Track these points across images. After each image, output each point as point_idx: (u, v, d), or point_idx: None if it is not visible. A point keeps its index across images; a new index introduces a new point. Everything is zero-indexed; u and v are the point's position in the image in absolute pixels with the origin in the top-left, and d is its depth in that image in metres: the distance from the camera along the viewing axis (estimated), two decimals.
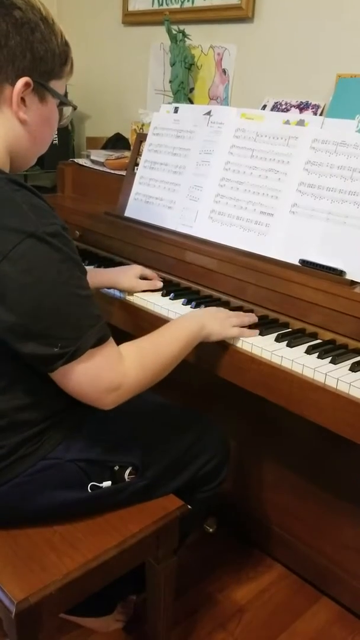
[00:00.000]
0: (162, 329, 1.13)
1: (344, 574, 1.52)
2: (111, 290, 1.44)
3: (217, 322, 1.18)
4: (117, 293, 1.43)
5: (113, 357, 0.98)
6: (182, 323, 1.16)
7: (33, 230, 0.87)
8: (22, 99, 0.95)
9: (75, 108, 1.07)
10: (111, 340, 0.98)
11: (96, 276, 1.41)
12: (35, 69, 0.94)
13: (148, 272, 1.44)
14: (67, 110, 1.06)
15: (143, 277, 1.43)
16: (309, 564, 1.60)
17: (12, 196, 0.90)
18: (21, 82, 0.93)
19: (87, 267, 1.36)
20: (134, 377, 1.01)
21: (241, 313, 1.26)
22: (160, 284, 1.43)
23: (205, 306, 1.30)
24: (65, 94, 1.06)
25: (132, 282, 1.41)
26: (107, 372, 0.97)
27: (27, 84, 0.93)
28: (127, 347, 1.03)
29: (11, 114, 0.96)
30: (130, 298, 1.40)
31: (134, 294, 1.40)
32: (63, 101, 1.02)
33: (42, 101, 0.98)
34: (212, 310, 1.23)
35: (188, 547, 1.53)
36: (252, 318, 1.25)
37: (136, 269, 1.43)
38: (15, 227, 0.87)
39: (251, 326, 1.23)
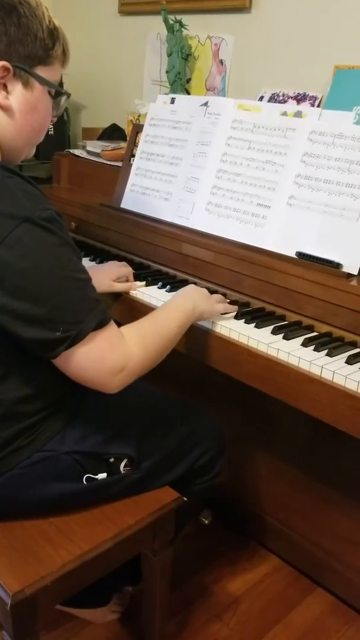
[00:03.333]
0: (158, 310, 1.15)
1: (339, 565, 1.53)
2: None
3: (206, 301, 1.20)
4: None
5: (115, 339, 0.98)
6: (176, 304, 1.17)
7: (28, 215, 0.87)
8: (4, 85, 0.94)
9: (68, 96, 1.05)
10: (112, 323, 0.98)
11: None
12: (14, 52, 0.92)
13: (125, 271, 1.39)
14: (62, 98, 1.04)
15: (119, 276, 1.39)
16: (304, 555, 1.61)
17: (5, 183, 0.90)
18: None
19: None
20: (137, 358, 1.01)
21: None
22: (136, 286, 1.38)
23: None
24: (62, 85, 1.04)
25: (106, 285, 1.35)
26: (111, 354, 0.97)
27: (5, 69, 0.92)
28: (127, 329, 1.04)
29: None
30: None
31: None
32: (51, 87, 0.99)
33: (26, 87, 0.96)
34: (197, 287, 1.25)
35: (183, 539, 1.53)
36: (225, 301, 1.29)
37: (111, 272, 1.38)
38: (11, 212, 0.87)
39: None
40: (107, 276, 1.36)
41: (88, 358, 0.95)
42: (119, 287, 1.37)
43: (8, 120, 0.96)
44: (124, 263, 1.43)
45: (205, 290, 1.25)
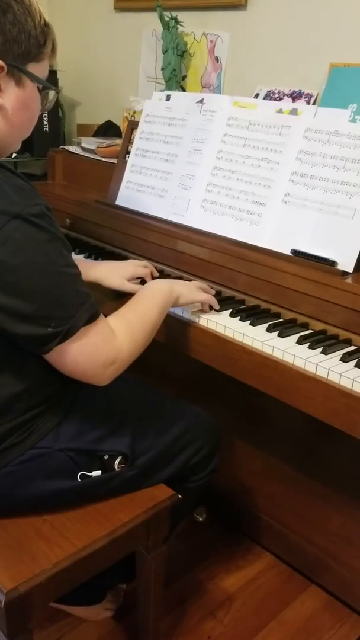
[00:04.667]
0: (137, 298, 1.14)
1: (333, 563, 1.53)
2: None
3: (184, 287, 1.22)
4: None
5: (106, 333, 0.99)
6: (154, 290, 1.17)
7: (18, 211, 0.87)
8: None
9: (57, 92, 1.05)
10: (102, 317, 0.99)
11: (84, 270, 1.38)
12: (9, 51, 0.92)
13: (141, 272, 1.37)
14: (50, 94, 1.04)
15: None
16: (298, 552, 1.61)
17: None
18: None
19: (77, 258, 1.34)
20: (126, 350, 1.03)
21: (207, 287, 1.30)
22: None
23: None
24: (56, 81, 1.04)
25: (117, 282, 1.34)
26: (102, 348, 0.98)
27: (0, 68, 0.91)
28: (114, 320, 1.04)
29: None
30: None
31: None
32: (42, 84, 0.99)
33: (18, 85, 0.95)
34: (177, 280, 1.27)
35: (178, 536, 1.53)
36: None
37: (127, 270, 1.35)
38: (0, 208, 0.87)
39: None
40: (121, 273, 1.34)
41: (81, 352, 0.96)
42: (129, 287, 1.33)
43: (0, 118, 0.96)
44: (145, 263, 1.41)
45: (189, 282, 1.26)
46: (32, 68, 0.96)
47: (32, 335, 0.92)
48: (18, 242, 0.88)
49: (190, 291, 1.23)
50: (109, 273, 1.34)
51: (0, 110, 0.95)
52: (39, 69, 0.98)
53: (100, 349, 0.98)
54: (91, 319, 0.96)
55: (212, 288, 1.35)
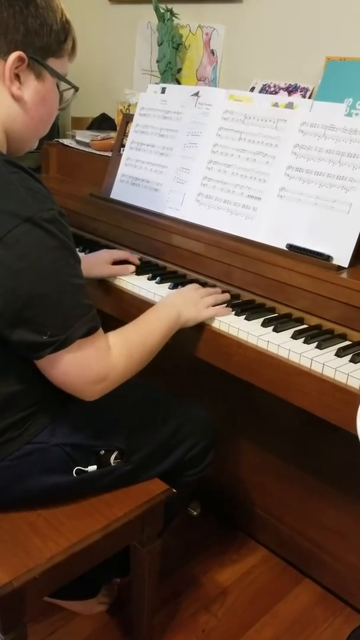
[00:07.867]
0: (144, 317, 1.13)
1: (326, 556, 1.54)
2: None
3: (192, 308, 1.18)
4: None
5: (102, 349, 0.98)
6: (162, 312, 1.16)
7: (30, 215, 0.86)
8: (17, 75, 0.93)
9: (76, 89, 1.04)
10: (101, 331, 0.98)
11: None
12: (30, 43, 0.92)
13: (118, 254, 1.42)
14: (68, 93, 1.03)
15: (116, 261, 1.42)
16: (292, 546, 1.62)
17: (10, 178, 0.88)
18: (14, 55, 0.90)
19: None
20: (120, 369, 1.01)
21: (211, 290, 1.27)
22: (132, 268, 1.40)
23: None
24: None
25: (104, 271, 1.38)
26: (95, 364, 0.97)
27: (20, 59, 0.91)
28: (114, 337, 1.03)
29: (5, 89, 0.93)
30: (116, 282, 1.39)
31: (120, 278, 1.39)
32: (62, 80, 0.99)
33: (38, 78, 0.95)
34: (187, 292, 1.23)
35: (172, 530, 1.53)
36: (225, 296, 1.26)
37: (105, 256, 1.41)
38: (12, 210, 0.86)
39: (227, 305, 1.25)
40: (103, 261, 1.39)
41: (72, 365, 0.95)
42: (117, 269, 1.38)
43: (19, 111, 0.96)
44: (113, 250, 1.44)
45: (196, 294, 1.22)
46: (52, 63, 0.96)
47: (26, 341, 0.91)
48: (25, 246, 0.86)
49: (198, 312, 1.18)
50: (91, 266, 1.35)
51: (19, 102, 0.95)
52: (59, 66, 0.98)
53: (93, 364, 0.97)
54: (89, 332, 0.94)
55: (207, 283, 1.35)
